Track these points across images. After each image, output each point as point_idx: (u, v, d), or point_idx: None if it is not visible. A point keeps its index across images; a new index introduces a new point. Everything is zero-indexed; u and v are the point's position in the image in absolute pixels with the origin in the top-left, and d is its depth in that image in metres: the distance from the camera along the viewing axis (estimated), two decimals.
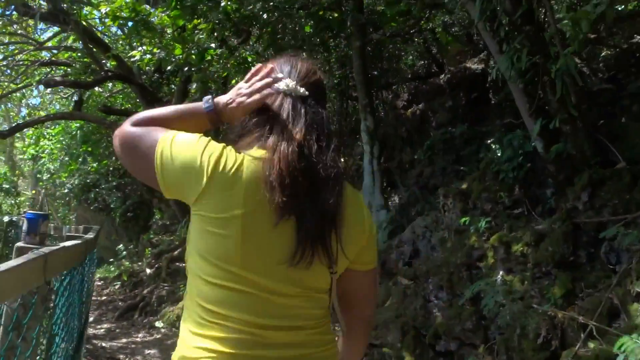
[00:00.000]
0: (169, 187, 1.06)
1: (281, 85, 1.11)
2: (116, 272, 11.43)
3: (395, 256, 4.30)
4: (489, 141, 4.64)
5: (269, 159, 1.01)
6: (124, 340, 6.76)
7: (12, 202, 14.01)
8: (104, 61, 8.17)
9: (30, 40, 9.97)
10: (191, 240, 1.09)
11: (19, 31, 9.72)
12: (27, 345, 1.95)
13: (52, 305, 2.26)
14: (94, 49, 8.10)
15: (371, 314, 1.28)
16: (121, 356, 5.88)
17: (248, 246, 1.00)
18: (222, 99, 1.14)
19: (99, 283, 11.18)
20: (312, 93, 1.12)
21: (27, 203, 16.84)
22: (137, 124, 1.11)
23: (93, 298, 7.77)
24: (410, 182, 6.85)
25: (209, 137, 1.08)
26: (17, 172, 18.32)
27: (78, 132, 12.21)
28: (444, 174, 6.28)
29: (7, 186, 12.26)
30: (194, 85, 7.56)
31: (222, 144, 1.06)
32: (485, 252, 3.10)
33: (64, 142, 13.35)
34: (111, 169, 14.57)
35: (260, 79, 1.13)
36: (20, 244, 2.04)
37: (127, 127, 1.11)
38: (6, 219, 8.38)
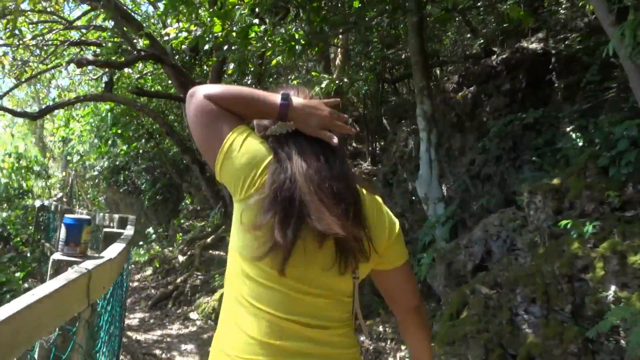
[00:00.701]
0: (223, 174, 1.14)
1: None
2: (146, 257, 11.23)
3: (464, 257, 3.84)
4: (568, 129, 4.10)
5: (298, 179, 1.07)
6: (159, 332, 6.49)
7: (43, 184, 13.92)
8: (135, 41, 7.79)
9: (59, 19, 9.68)
10: (232, 235, 1.18)
11: (48, 9, 9.42)
12: None
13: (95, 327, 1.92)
14: (126, 28, 7.73)
15: (418, 304, 1.31)
16: (157, 351, 5.60)
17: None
18: (299, 100, 1.18)
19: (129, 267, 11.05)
20: None
21: (58, 185, 16.81)
22: (214, 98, 1.15)
23: None
24: (460, 171, 6.34)
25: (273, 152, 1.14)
26: (47, 154, 18.33)
27: (108, 114, 11.96)
28: (499, 163, 5.77)
29: (38, 168, 12.12)
30: (231, 66, 7.12)
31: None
32: (592, 262, 2.61)
33: (93, 124, 13.15)
34: (140, 151, 14.40)
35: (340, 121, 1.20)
36: (57, 256, 1.66)
37: (204, 99, 1.15)
38: (37, 203, 8.17)
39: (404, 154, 7.57)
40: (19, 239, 7.74)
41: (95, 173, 16.63)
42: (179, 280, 8.33)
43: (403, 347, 4.39)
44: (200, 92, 1.16)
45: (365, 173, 11.46)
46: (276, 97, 1.16)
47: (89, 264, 1.57)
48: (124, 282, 3.21)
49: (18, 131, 19.06)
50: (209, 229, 9.82)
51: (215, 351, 1.18)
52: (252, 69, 7.52)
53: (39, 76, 9.97)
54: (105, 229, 3.16)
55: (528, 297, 2.84)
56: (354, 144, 12.88)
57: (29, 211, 8.89)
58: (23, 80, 10.12)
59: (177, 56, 8.74)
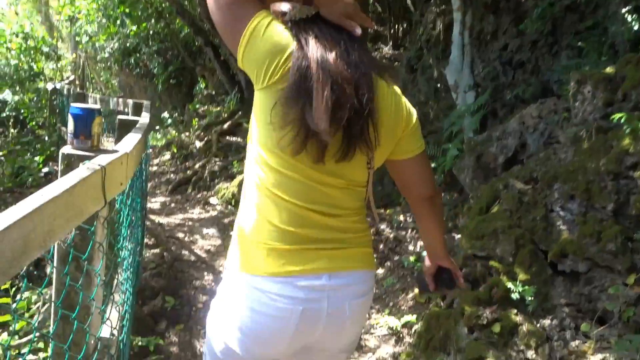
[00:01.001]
0: (245, 60, 1.11)
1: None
2: (163, 141, 11.23)
3: (495, 150, 3.65)
4: (623, 10, 3.65)
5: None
6: (180, 216, 6.63)
7: (54, 66, 13.58)
8: None
9: None
10: (253, 124, 1.19)
11: None
12: (89, 281, 1.50)
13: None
14: None
15: (432, 194, 1.35)
16: (180, 234, 5.73)
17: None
18: None
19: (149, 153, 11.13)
20: None
21: (69, 67, 16.46)
22: None
23: None
24: (491, 57, 5.91)
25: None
26: (55, 34, 17.69)
27: None
28: (534, 49, 5.32)
29: (47, 49, 11.71)
30: None
31: None
32: None
33: (99, 2, 12.44)
34: (151, 32, 13.79)
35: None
36: (67, 149, 1.50)
37: None
38: (50, 86, 7.96)
39: (431, 37, 7.05)
40: (34, 122, 7.65)
41: (106, 55, 16.14)
42: (197, 165, 8.35)
43: None
44: None
45: (386, 58, 10.94)
46: None
47: (103, 159, 1.41)
48: (144, 172, 3.11)
49: (22, 9, 18.26)
50: (225, 115, 9.64)
51: (240, 237, 1.22)
52: None
53: None
54: (120, 116, 2.99)
55: (566, 194, 2.68)
56: (374, 27, 12.13)
57: (41, 94, 8.71)
58: None
59: None
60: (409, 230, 4.70)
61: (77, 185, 1.17)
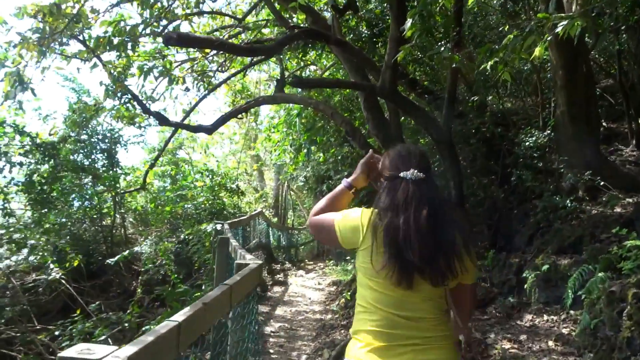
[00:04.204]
0: (345, 244, 1.79)
1: (407, 174, 1.73)
2: None
3: None
4: None
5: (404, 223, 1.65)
6: None
7: (250, 199, 13.50)
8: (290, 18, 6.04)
9: (232, 19, 8.66)
10: (359, 265, 1.78)
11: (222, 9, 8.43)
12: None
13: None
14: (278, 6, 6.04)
15: (471, 309, 2.00)
16: None
17: (376, 266, 1.69)
18: (351, 179, 2.00)
19: None
20: (426, 173, 1.75)
21: (268, 197, 16.59)
22: (316, 213, 1.93)
23: None
24: None
25: (362, 208, 1.79)
26: (254, 167, 18.47)
27: (296, 119, 10.73)
28: None
29: (232, 185, 11.54)
30: (408, 24, 4.73)
31: (372, 208, 1.75)
32: None
33: (286, 133, 12.18)
34: (339, 157, 13.06)
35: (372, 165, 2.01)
36: None
37: (313, 217, 1.94)
38: (209, 227, 7.07)
39: None
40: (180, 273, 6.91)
41: (301, 183, 15.99)
42: None
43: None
44: (312, 216, 1.95)
45: (628, 162, 8.14)
46: (343, 186, 2.00)
47: None
48: None
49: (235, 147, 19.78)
50: None
51: (354, 339, 1.76)
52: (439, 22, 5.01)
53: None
54: None
55: None
56: (604, 123, 9.19)
57: (204, 236, 8.00)
58: (207, 91, 9.42)
59: (352, 34, 6.74)
60: None
61: None
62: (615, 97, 9.50)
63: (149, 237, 9.55)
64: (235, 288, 2.14)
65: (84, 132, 8.58)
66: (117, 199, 8.96)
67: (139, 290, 6.29)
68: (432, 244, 1.60)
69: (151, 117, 7.95)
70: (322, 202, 1.94)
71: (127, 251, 5.64)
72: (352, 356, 1.68)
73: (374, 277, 1.68)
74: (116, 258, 5.79)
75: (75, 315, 5.29)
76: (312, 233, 1.95)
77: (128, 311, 5.09)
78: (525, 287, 5.48)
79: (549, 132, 6.85)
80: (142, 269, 6.62)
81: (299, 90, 9.32)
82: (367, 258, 1.67)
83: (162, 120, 7.74)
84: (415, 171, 1.71)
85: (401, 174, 1.72)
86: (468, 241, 1.72)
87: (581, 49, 7.06)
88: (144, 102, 7.74)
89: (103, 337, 4.19)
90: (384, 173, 1.82)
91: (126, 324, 4.62)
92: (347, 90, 9.80)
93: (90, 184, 8.86)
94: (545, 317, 5.20)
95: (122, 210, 9.49)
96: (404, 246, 1.59)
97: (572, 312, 5.11)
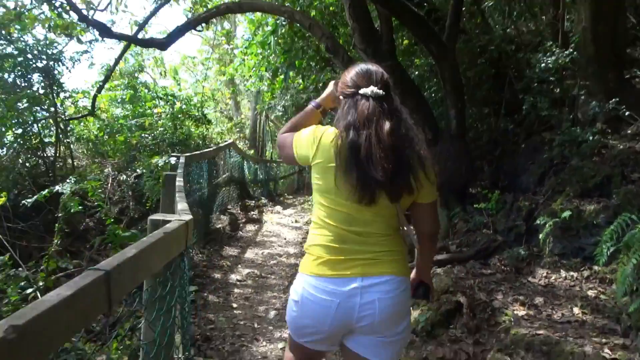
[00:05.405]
0: (300, 160, 1.81)
1: (367, 91, 1.69)
2: None
3: None
4: None
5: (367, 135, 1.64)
6: None
7: (222, 129, 12.23)
8: None
9: None
10: (312, 183, 1.80)
11: None
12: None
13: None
14: None
15: (431, 232, 1.90)
16: None
17: (339, 185, 1.68)
18: (319, 99, 1.99)
19: None
20: (386, 91, 1.72)
21: (243, 127, 15.32)
22: (283, 132, 1.95)
23: None
24: None
25: (316, 125, 1.83)
26: (227, 93, 16.99)
27: (271, 37, 9.30)
28: None
29: (197, 114, 10.24)
30: None
31: (326, 126, 1.78)
32: None
33: (263, 55, 10.73)
34: (320, 85, 11.76)
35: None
36: None
37: (280, 135, 1.97)
38: (160, 162, 5.92)
39: None
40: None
41: (279, 113, 14.76)
42: None
43: None
44: (279, 134, 1.98)
45: None
46: (312, 106, 2.00)
47: None
48: None
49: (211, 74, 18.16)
50: None
51: (306, 250, 1.83)
52: None
53: None
54: None
55: None
56: None
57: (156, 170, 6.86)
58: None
59: None
60: None
61: None
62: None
63: (103, 171, 8.41)
64: (117, 277, 1.09)
65: (11, 46, 7.13)
66: (61, 127, 7.73)
67: (56, 240, 5.25)
68: (393, 160, 1.62)
69: (91, 27, 6.54)
70: (290, 122, 1.98)
71: (47, 190, 4.54)
72: (304, 269, 1.78)
73: (325, 193, 1.75)
74: (34, 198, 4.70)
75: None
76: (279, 153, 2.03)
77: (42, 267, 4.08)
78: (539, 236, 4.53)
79: (571, 50, 5.67)
80: (60, 214, 5.52)
81: None
82: (319, 174, 1.74)
83: (104, 31, 6.36)
84: (375, 88, 1.71)
85: (360, 91, 1.72)
86: (423, 157, 1.72)
87: None
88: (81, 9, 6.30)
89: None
90: (344, 90, 1.79)
91: (41, 283, 3.60)
92: None
93: (27, 109, 7.53)
94: (563, 272, 4.30)
95: (69, 140, 8.26)
96: (366, 163, 1.62)
97: (595, 267, 4.22)
